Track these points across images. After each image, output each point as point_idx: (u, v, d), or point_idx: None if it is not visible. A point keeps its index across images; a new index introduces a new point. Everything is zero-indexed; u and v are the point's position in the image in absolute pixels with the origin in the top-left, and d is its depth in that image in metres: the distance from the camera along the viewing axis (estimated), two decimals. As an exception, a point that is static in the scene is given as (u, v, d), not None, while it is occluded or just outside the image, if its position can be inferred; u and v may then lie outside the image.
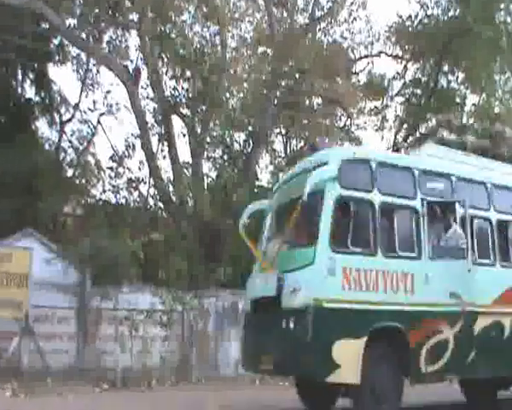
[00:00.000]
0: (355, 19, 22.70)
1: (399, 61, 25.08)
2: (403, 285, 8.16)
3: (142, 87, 18.66)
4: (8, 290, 12.46)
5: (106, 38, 19.75)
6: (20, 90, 20.94)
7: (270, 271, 8.33)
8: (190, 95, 18.41)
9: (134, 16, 18.49)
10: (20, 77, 20.72)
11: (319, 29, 22.49)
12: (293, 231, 8.30)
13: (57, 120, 21.74)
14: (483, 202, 9.52)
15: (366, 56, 24.76)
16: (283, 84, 19.78)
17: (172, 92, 18.51)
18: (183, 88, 18.57)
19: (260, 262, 8.87)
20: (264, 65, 20.31)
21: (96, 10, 18.28)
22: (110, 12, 18.54)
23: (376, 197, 8.22)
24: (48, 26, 18.77)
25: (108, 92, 21.28)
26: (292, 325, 7.73)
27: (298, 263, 7.94)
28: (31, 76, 20.74)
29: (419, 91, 25.21)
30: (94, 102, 21.49)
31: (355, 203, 8.08)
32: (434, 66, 23.62)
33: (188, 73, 18.46)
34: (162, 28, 18.28)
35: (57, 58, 20.92)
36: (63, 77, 32.69)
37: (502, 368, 9.26)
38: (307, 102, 21.80)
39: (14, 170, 16.67)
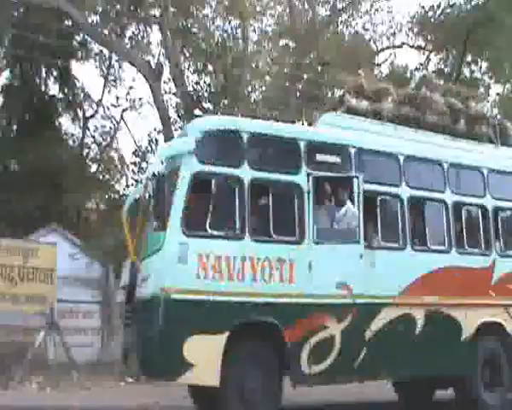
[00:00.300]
0: (377, 10, 22.71)
1: (422, 51, 24.82)
2: (278, 274, 7.05)
3: (164, 82, 18.59)
4: (35, 285, 12.55)
5: (128, 33, 19.84)
6: (44, 87, 21.09)
7: (133, 258, 7.51)
8: (213, 89, 18.36)
9: (156, 11, 18.51)
10: (44, 74, 20.85)
11: (341, 21, 22.46)
12: (153, 213, 7.17)
13: (80, 116, 21.92)
14: (392, 176, 8.34)
15: (388, 48, 24.58)
16: (306, 76, 19.73)
17: (195, 87, 18.46)
18: (205, 82, 18.52)
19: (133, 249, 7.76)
20: (286, 58, 20.26)
21: (118, 6, 18.39)
22: (132, 8, 18.64)
23: (246, 173, 7.07)
24: (71, 24, 18.89)
25: (131, 88, 21.33)
26: (142, 319, 6.94)
27: (150, 249, 7.12)
28: (54, 73, 20.84)
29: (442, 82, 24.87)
30: (117, 97, 21.59)
31: (217, 180, 6.95)
32: (457, 56, 23.26)
33: (210, 68, 18.42)
34: (184, 23, 18.32)
35: (80, 55, 21.15)
36: (86, 73, 32.83)
37: (415, 368, 8.15)
38: (330, 94, 21.70)
39: (38, 166, 16.87)
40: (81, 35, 20.21)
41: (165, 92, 18.69)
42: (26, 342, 12.31)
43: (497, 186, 9.30)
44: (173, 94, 18.90)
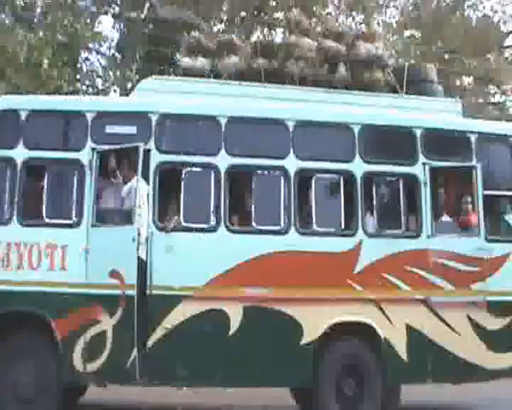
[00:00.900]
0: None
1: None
2: (48, 261, 6.49)
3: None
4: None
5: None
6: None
7: None
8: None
9: (280, 14, 18.80)
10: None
11: (467, 5, 21.81)
12: None
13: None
14: (211, 144, 7.04)
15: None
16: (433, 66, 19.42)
17: (322, 85, 18.67)
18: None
19: None
20: (411, 48, 20.00)
21: (243, 13, 18.84)
22: (256, 13, 19.03)
23: (20, 154, 6.66)
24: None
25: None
26: None
27: None
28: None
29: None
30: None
31: None
32: None
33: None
34: (308, 23, 18.52)
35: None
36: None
37: (231, 378, 6.90)
38: (458, 82, 21.13)
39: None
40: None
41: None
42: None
43: (371, 146, 7.59)
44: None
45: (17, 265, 6.49)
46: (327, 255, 7.05)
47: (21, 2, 15.05)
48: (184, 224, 6.86)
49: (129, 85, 18.17)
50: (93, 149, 6.73)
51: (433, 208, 7.40)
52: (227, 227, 6.90)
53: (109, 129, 6.88)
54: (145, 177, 6.76)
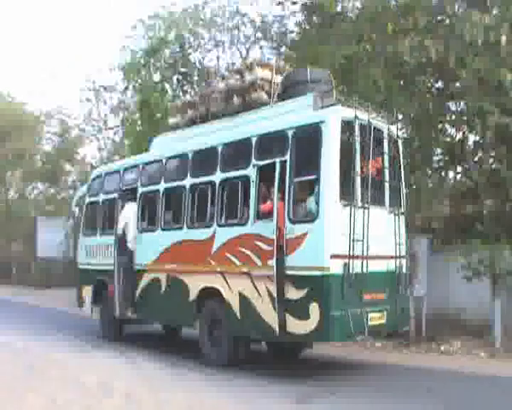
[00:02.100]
0: None
1: None
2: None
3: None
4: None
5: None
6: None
7: None
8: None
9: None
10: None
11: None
12: None
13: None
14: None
15: None
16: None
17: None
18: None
19: None
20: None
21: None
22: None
23: (101, 196, 12.66)
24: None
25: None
26: None
27: None
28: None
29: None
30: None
31: None
32: None
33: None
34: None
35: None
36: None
37: (160, 315, 11.27)
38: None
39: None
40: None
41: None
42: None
43: (226, 159, 9.66)
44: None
45: None
46: (200, 242, 9.77)
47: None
48: (144, 228, 11.14)
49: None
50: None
51: (257, 200, 8.93)
52: (161, 228, 10.75)
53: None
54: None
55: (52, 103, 47.63)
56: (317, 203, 8.01)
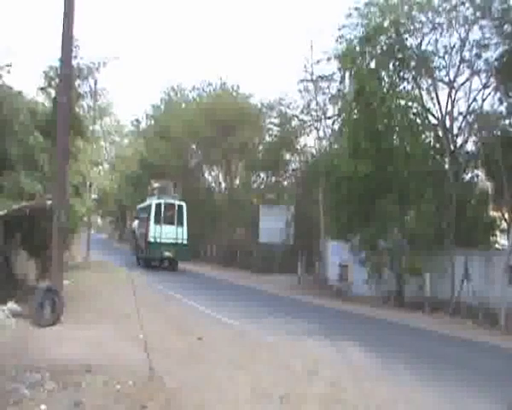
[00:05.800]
0: None
1: None
2: None
3: None
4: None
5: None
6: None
7: None
8: None
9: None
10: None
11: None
12: None
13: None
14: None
15: None
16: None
17: None
18: None
19: None
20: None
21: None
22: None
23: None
24: None
25: None
26: None
27: None
28: None
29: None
30: None
31: None
32: None
33: None
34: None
35: None
36: None
37: None
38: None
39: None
40: None
41: None
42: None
43: None
44: None
45: None
46: None
47: None
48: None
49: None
50: None
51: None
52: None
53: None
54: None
55: (273, 95, 49.57)
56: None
